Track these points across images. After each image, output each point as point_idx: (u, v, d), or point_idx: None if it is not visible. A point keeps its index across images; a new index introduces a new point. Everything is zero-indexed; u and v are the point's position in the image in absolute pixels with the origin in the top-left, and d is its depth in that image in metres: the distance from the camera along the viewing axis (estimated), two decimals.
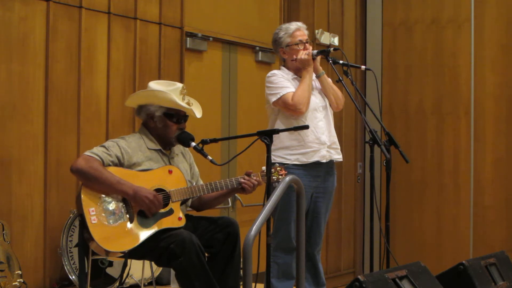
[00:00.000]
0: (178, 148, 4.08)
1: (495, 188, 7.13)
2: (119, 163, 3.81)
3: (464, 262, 3.99)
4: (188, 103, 3.98)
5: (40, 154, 4.80)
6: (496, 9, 7.18)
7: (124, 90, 5.30)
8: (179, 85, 4.00)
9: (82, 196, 3.70)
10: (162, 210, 3.80)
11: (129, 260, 4.58)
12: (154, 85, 4.02)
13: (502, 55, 7.15)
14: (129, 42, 5.36)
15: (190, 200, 4.02)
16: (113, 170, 3.76)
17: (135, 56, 5.38)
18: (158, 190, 3.82)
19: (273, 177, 3.87)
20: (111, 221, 3.71)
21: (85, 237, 3.72)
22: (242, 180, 3.93)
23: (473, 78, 7.21)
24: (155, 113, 3.96)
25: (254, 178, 3.95)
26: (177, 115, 3.98)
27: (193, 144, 3.93)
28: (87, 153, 3.78)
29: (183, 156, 4.11)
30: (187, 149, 4.13)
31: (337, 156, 4.53)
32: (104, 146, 3.83)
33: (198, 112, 4.05)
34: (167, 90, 3.93)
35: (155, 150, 3.95)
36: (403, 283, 3.54)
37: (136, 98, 4.06)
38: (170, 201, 3.83)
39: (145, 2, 5.47)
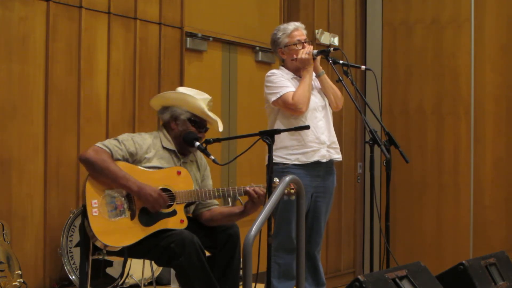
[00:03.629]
0: (193, 156, 4.07)
1: (495, 188, 7.13)
2: (131, 158, 3.81)
3: (464, 262, 3.99)
4: None
5: (40, 154, 4.80)
6: (496, 9, 7.18)
7: (124, 90, 5.30)
8: (208, 96, 4.04)
9: (86, 186, 3.71)
10: (165, 211, 3.80)
11: (129, 260, 4.58)
12: (183, 89, 4.07)
13: (502, 55, 7.15)
14: (129, 42, 5.36)
15: (194, 205, 4.01)
16: (121, 165, 3.77)
17: (135, 56, 5.38)
18: (164, 190, 3.81)
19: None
20: (112, 215, 3.71)
21: (85, 228, 3.73)
22: (248, 189, 3.87)
23: (473, 78, 7.21)
24: (180, 116, 3.97)
25: (258, 186, 3.90)
26: (200, 124, 4.00)
27: (197, 143, 3.93)
28: (99, 144, 3.79)
29: (197, 166, 4.10)
30: (204, 161, 4.12)
31: (337, 156, 4.53)
32: (117, 140, 3.83)
33: (221, 126, 4.07)
34: (198, 98, 3.97)
35: (169, 150, 3.94)
36: (403, 283, 3.54)
37: (165, 98, 4.08)
38: (175, 203, 3.83)
39: (145, 2, 5.47)
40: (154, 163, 3.87)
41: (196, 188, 3.99)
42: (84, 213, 3.72)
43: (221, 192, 3.89)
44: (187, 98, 3.98)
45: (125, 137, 3.86)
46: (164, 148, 3.94)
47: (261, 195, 3.86)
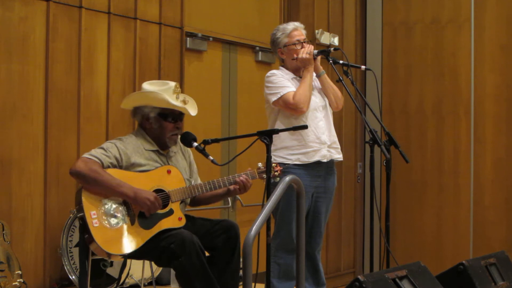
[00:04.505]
0: (176, 146, 4.07)
1: (495, 188, 7.13)
2: (118, 165, 3.80)
3: (464, 262, 3.99)
4: (184, 101, 3.96)
5: (40, 154, 4.80)
6: (496, 9, 7.18)
7: (124, 90, 5.30)
8: (172, 84, 3.98)
9: (82, 199, 3.69)
10: (162, 211, 3.80)
11: (128, 260, 4.59)
12: (146, 86, 4.01)
13: (502, 55, 7.15)
14: (129, 42, 5.36)
15: (189, 199, 4.02)
16: (112, 172, 3.75)
17: (135, 56, 5.38)
18: (157, 191, 3.82)
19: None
20: (112, 223, 3.70)
21: (86, 240, 3.72)
22: (236, 179, 3.93)
23: (473, 78, 7.21)
24: (149, 114, 3.95)
25: (245, 174, 3.94)
26: (172, 115, 3.97)
27: (195, 144, 3.93)
28: (86, 155, 3.76)
29: (182, 154, 4.11)
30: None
31: (338, 156, 4.53)
32: (102, 148, 3.82)
33: (192, 110, 4.03)
34: (159, 90, 3.92)
35: (152, 151, 3.94)
36: (403, 283, 3.54)
37: (130, 101, 4.06)
38: (170, 202, 3.83)
39: (145, 2, 5.46)
40: (143, 166, 3.86)
41: (187, 178, 4.00)
42: (84, 227, 3.69)
43: (212, 184, 3.89)
44: (149, 95, 3.94)
45: (108, 144, 3.85)
46: (146, 150, 3.93)
47: (247, 185, 3.94)
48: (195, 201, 4.12)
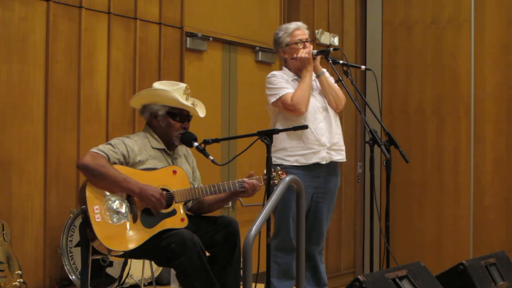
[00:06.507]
0: (181, 150, 4.08)
1: (495, 188, 7.13)
2: (125, 161, 3.81)
3: (464, 262, 3.99)
4: (193, 104, 3.99)
5: (40, 154, 4.80)
6: (496, 9, 7.18)
7: (124, 90, 5.30)
8: (183, 85, 4.02)
9: (87, 193, 3.69)
10: (165, 211, 3.80)
11: (129, 260, 4.58)
12: (157, 84, 4.04)
13: (502, 55, 7.15)
14: (129, 42, 5.36)
15: (191, 201, 4.02)
16: (118, 168, 3.76)
17: (135, 56, 5.38)
18: (162, 190, 3.81)
19: (274, 181, 3.86)
20: (115, 219, 3.70)
21: (88, 235, 3.72)
22: (245, 183, 3.92)
23: (473, 78, 7.21)
24: (158, 112, 3.97)
25: (255, 179, 3.94)
26: (181, 114, 3.99)
27: (196, 144, 3.93)
28: (94, 150, 3.77)
29: (186, 159, 4.11)
30: (190, 152, 4.14)
31: (339, 157, 4.52)
32: (110, 144, 3.83)
33: (201, 112, 4.06)
34: (170, 90, 3.94)
35: (159, 149, 3.95)
36: (403, 283, 3.54)
37: (140, 98, 4.07)
38: (174, 202, 3.83)
39: (145, 2, 5.47)
40: (149, 164, 3.87)
41: (191, 181, 4.00)
42: (86, 221, 3.69)
43: (216, 187, 3.90)
44: (160, 93, 3.96)
45: (116, 141, 3.86)
46: (153, 148, 3.94)
47: (252, 191, 3.92)
48: (198, 209, 4.09)
